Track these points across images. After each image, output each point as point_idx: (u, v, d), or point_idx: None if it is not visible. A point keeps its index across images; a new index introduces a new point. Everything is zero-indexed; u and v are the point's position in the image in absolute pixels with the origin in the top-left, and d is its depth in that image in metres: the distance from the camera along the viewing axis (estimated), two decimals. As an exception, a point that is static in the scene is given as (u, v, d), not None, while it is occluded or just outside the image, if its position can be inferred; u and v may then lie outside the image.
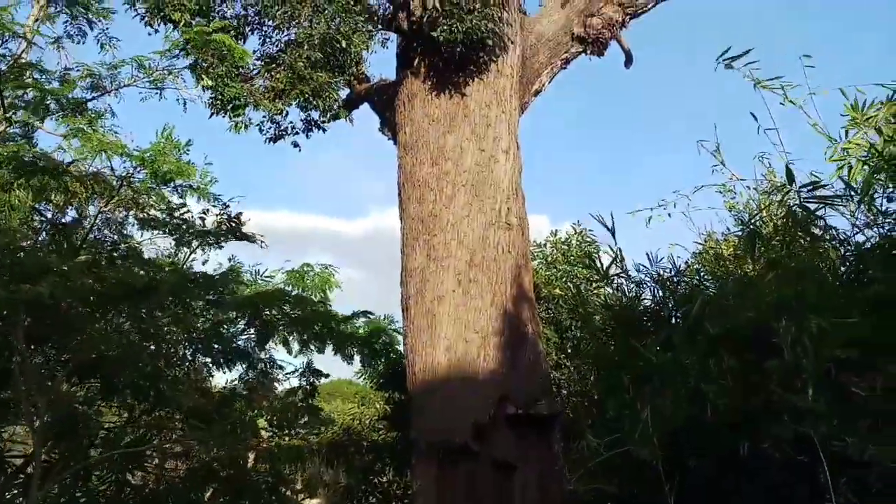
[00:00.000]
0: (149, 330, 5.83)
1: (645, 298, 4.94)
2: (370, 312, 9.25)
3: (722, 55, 4.77)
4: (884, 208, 4.35)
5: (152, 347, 6.36)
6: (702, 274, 5.73)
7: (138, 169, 7.78)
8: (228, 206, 7.77)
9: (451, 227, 7.24)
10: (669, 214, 5.90)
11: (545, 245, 10.77)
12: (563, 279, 8.96)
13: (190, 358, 7.27)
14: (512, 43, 7.70)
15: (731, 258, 6.64)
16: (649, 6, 8.27)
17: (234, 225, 7.28)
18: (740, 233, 6.15)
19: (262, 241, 7.62)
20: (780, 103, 4.67)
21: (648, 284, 4.82)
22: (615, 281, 4.94)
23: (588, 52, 8.16)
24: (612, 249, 4.87)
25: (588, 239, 10.21)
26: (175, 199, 8.18)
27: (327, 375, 9.29)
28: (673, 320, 4.76)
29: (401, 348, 8.64)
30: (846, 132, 4.87)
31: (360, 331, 9.54)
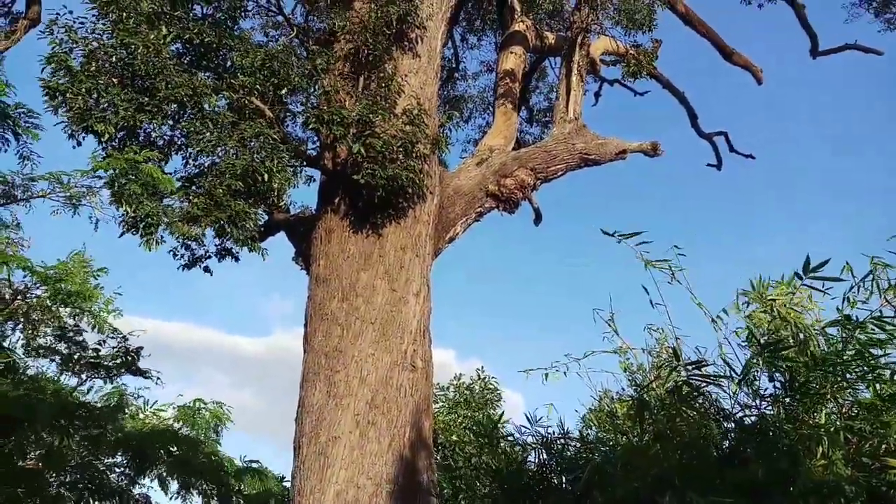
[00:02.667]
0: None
1: (530, 462, 4.93)
2: (256, 461, 8.80)
3: (619, 233, 5.13)
4: (763, 389, 4.63)
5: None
6: (592, 434, 5.82)
7: (38, 285, 7.39)
8: (127, 339, 7.41)
9: (354, 364, 7.11)
10: (565, 374, 6.03)
11: (448, 388, 10.73)
12: (463, 425, 8.86)
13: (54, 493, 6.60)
14: (431, 193, 8.00)
15: (623, 417, 6.77)
16: (559, 173, 8.90)
17: (130, 359, 6.92)
18: (633, 393, 6.35)
19: (157, 378, 7.24)
20: (668, 282, 5.01)
21: (533, 446, 4.83)
22: (500, 445, 4.94)
23: (500, 208, 8.58)
24: (508, 401, 4.91)
25: (490, 386, 10.26)
26: (71, 322, 7.74)
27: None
28: (562, 484, 4.75)
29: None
30: (747, 304, 5.25)
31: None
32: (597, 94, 14.13)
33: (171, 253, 7.43)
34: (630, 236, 5.17)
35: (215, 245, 7.62)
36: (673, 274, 5.02)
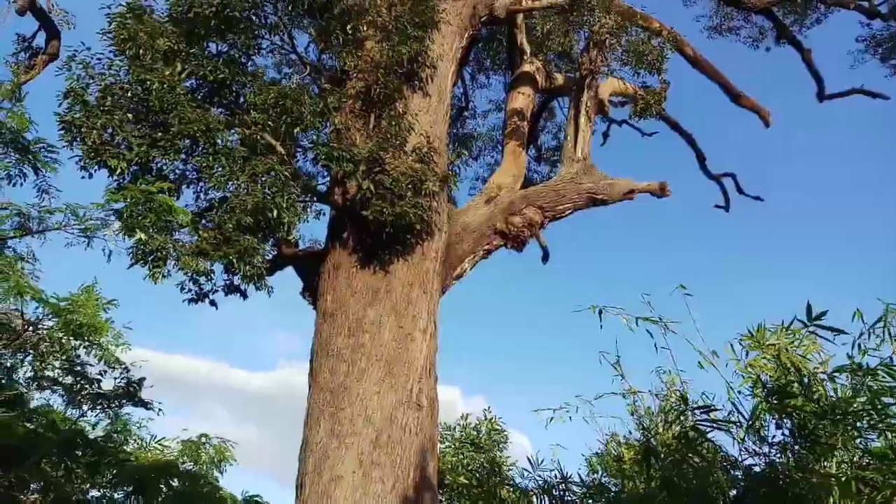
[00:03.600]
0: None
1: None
2: (258, 496, 8.74)
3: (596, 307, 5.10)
4: (771, 437, 4.57)
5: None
6: (597, 478, 5.76)
7: (49, 316, 7.47)
8: (129, 371, 7.44)
9: (359, 401, 7.05)
10: (570, 417, 5.99)
11: (455, 428, 10.64)
12: (470, 467, 8.76)
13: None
14: (439, 230, 8.04)
15: (630, 462, 6.68)
16: (567, 212, 8.94)
17: (132, 390, 6.95)
18: (640, 437, 6.28)
19: (159, 409, 7.25)
20: (663, 333, 5.00)
21: (535, 492, 4.80)
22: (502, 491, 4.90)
23: (508, 246, 8.61)
24: (514, 443, 4.88)
25: (497, 427, 10.17)
26: (79, 353, 7.81)
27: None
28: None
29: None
30: (746, 353, 5.19)
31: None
32: (605, 135, 14.27)
33: (180, 287, 7.47)
34: (604, 309, 5.17)
35: (223, 280, 7.65)
36: (667, 326, 5.02)
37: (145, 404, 7.56)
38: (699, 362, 4.78)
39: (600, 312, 5.06)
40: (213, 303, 7.66)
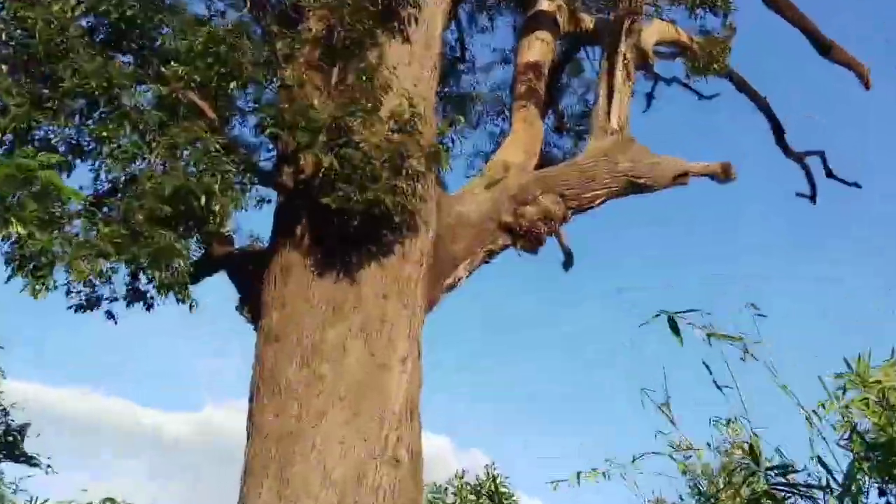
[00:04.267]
0: None
1: None
2: None
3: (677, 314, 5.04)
4: (872, 506, 4.55)
5: None
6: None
7: None
8: (8, 414, 7.42)
9: (316, 455, 7.05)
10: (606, 475, 5.98)
11: (447, 490, 10.58)
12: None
13: None
14: (425, 223, 8.03)
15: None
16: (597, 201, 8.92)
17: (11, 440, 6.94)
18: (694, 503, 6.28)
19: (47, 467, 7.21)
20: (741, 359, 4.98)
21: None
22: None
23: (518, 246, 8.59)
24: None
25: (504, 488, 10.13)
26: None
27: None
28: None
29: None
30: (843, 392, 5.15)
31: None
32: (649, 96, 14.27)
33: (65, 289, 7.34)
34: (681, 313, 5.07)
35: (125, 285, 7.57)
36: (746, 350, 4.98)
37: (29, 459, 7.49)
38: (806, 418, 4.74)
39: (672, 322, 4.90)
40: (110, 314, 7.62)
